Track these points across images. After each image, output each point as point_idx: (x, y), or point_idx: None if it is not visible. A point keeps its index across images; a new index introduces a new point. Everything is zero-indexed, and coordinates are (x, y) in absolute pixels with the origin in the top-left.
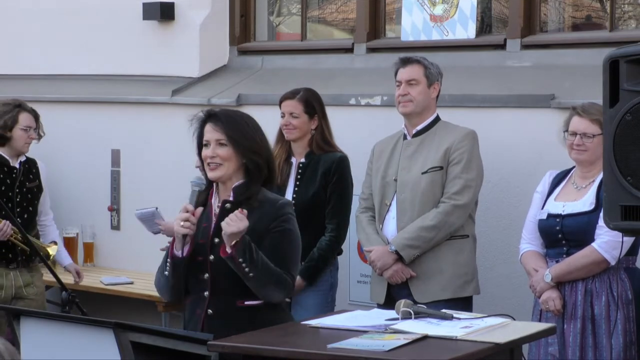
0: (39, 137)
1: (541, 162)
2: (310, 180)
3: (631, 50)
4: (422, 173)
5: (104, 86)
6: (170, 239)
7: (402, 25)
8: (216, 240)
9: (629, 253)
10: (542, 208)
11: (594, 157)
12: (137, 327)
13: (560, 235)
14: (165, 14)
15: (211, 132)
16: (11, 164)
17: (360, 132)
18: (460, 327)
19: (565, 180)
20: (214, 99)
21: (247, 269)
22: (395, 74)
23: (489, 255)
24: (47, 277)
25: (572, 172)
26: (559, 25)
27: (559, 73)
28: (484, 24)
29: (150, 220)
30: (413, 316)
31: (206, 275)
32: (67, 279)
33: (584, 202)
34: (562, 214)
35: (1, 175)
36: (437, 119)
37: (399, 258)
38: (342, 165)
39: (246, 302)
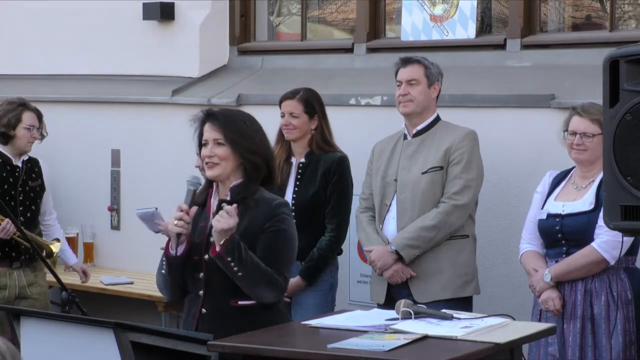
0: (42, 137)
1: (541, 162)
2: (310, 180)
3: (631, 50)
4: (422, 173)
5: (104, 86)
6: None
7: (402, 25)
8: (212, 239)
9: (629, 253)
10: (542, 208)
11: (594, 156)
12: (137, 327)
13: (559, 235)
14: (165, 14)
15: (209, 132)
16: (14, 163)
17: (360, 132)
18: (460, 327)
19: (565, 181)
20: (214, 99)
21: (235, 268)
22: (396, 74)
23: (489, 255)
24: (48, 276)
25: (572, 172)
26: (559, 25)
27: (559, 73)
28: (484, 24)
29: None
30: (413, 316)
31: (201, 274)
32: (67, 278)
33: (584, 201)
34: (562, 213)
35: (4, 174)
36: (438, 119)
37: (399, 258)
38: (342, 165)
39: (240, 302)
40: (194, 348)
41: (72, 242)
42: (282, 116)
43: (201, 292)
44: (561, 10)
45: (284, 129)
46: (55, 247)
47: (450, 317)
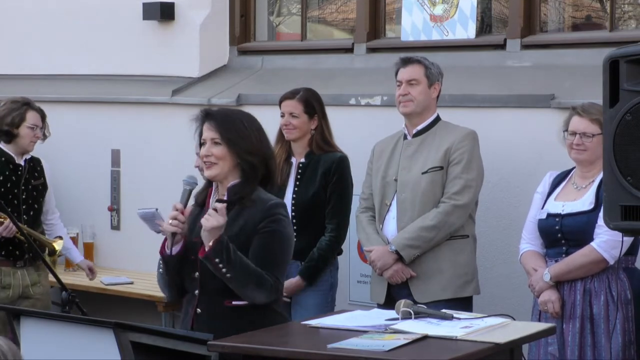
0: (44, 137)
1: (541, 162)
2: (310, 180)
3: (631, 50)
4: (423, 173)
5: (104, 86)
6: None
7: (402, 25)
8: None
9: (628, 253)
10: (542, 208)
11: (594, 156)
12: (137, 327)
13: (559, 235)
14: (165, 14)
15: (207, 131)
16: (16, 161)
17: (360, 132)
18: (460, 327)
19: (566, 181)
20: (214, 99)
21: (224, 270)
22: (396, 74)
23: (489, 255)
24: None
25: (572, 172)
26: (559, 25)
27: (559, 73)
28: (484, 24)
29: (151, 220)
30: (413, 316)
31: (197, 273)
32: (67, 278)
33: (584, 201)
34: (562, 213)
35: (7, 172)
36: (438, 119)
37: (399, 258)
38: (342, 165)
39: (234, 302)
40: (194, 348)
41: (72, 242)
42: (282, 116)
43: (197, 292)
44: (561, 10)
45: (283, 129)
46: (58, 245)
47: (450, 317)
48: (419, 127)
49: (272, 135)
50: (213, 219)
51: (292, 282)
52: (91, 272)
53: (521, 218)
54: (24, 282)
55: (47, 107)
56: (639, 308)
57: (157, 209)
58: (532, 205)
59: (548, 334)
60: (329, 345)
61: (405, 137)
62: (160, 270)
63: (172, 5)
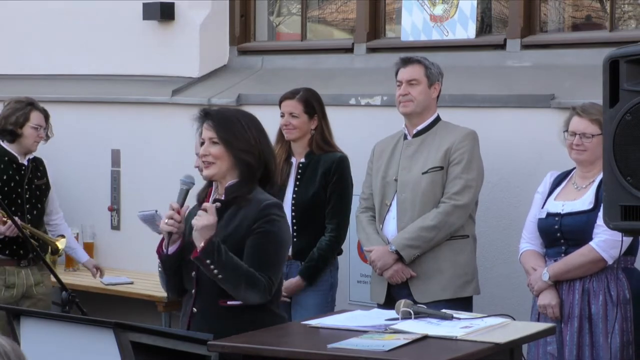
0: (47, 137)
1: (541, 162)
2: (310, 180)
3: (631, 50)
4: (423, 173)
5: (104, 86)
6: None
7: (402, 25)
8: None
9: (628, 253)
10: (542, 207)
11: (594, 157)
12: (137, 327)
13: (558, 234)
14: (165, 14)
15: (205, 131)
16: (20, 161)
17: (360, 132)
18: (460, 327)
19: (566, 181)
20: (214, 99)
21: (215, 271)
22: (396, 74)
23: (489, 255)
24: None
25: (572, 172)
26: (559, 25)
27: (559, 73)
28: (484, 24)
29: (152, 222)
30: (413, 316)
31: (194, 273)
32: (67, 278)
33: (583, 201)
34: (561, 213)
35: (10, 172)
36: (438, 119)
37: (399, 258)
38: (342, 165)
39: (228, 302)
40: (194, 348)
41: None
42: (282, 116)
43: (193, 291)
44: (561, 10)
45: (283, 129)
46: (61, 244)
47: (450, 317)
48: (419, 127)
49: (272, 135)
50: (203, 219)
51: (292, 282)
52: (98, 271)
53: (521, 218)
54: (28, 282)
55: (47, 107)
56: (637, 308)
57: (156, 211)
58: (533, 205)
59: (548, 334)
60: (329, 345)
61: (405, 137)
62: (160, 269)
63: (172, 5)
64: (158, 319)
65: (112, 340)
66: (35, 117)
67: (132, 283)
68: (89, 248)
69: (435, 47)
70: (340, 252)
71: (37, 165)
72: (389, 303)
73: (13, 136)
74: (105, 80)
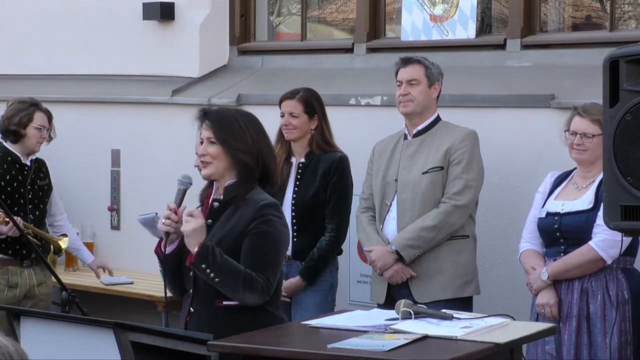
0: (50, 138)
1: (541, 162)
2: (310, 180)
3: (631, 50)
4: (423, 173)
5: (104, 86)
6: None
7: (402, 25)
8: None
9: (627, 254)
10: (542, 207)
11: (594, 157)
12: (137, 327)
13: (558, 234)
14: (165, 14)
15: (204, 131)
16: (23, 162)
17: (360, 132)
18: (460, 327)
19: (567, 181)
20: (214, 99)
21: (212, 275)
22: (396, 74)
23: (489, 255)
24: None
25: (573, 172)
26: (559, 25)
27: (559, 73)
28: (484, 24)
29: (152, 225)
30: (413, 316)
31: (191, 273)
32: (67, 278)
33: (583, 201)
34: (561, 212)
35: (13, 172)
36: (438, 119)
37: (400, 258)
38: (342, 165)
39: (224, 302)
40: (194, 348)
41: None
42: (282, 116)
43: (191, 291)
44: (561, 10)
45: (283, 129)
46: (63, 243)
47: (450, 317)
48: (419, 127)
49: (272, 135)
50: (191, 223)
51: (292, 282)
52: (105, 270)
53: (521, 218)
54: (31, 282)
55: (47, 107)
56: (636, 308)
57: (156, 213)
58: (533, 205)
59: (548, 334)
60: (329, 345)
61: (405, 137)
62: (160, 269)
63: (172, 5)
64: (158, 319)
65: (112, 340)
66: (38, 118)
67: (132, 283)
68: (88, 248)
69: (435, 47)
70: (340, 252)
71: (40, 166)
72: (389, 303)
73: (16, 136)
74: (105, 80)
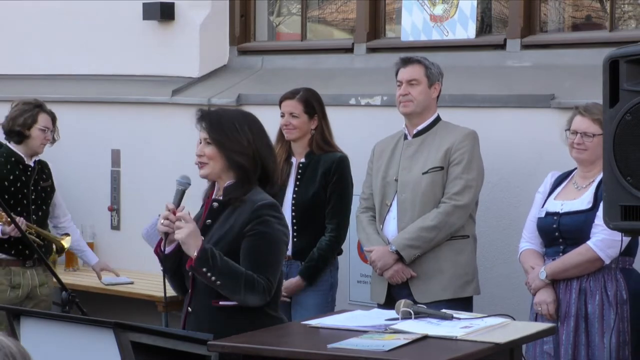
0: (54, 140)
1: (541, 162)
2: (310, 180)
3: (631, 50)
4: (423, 173)
5: (104, 86)
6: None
7: (402, 25)
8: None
9: (626, 254)
10: (542, 207)
11: (594, 156)
12: (137, 327)
13: (557, 234)
14: (165, 14)
15: (201, 131)
16: (26, 162)
17: (360, 132)
18: (460, 327)
19: (567, 181)
20: (214, 99)
21: (213, 278)
22: (396, 74)
23: (489, 255)
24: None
25: (573, 172)
26: (559, 25)
27: (559, 73)
28: (484, 24)
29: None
30: (413, 316)
31: (190, 272)
32: (67, 278)
33: (582, 200)
34: (560, 212)
35: (17, 172)
36: (438, 119)
37: (400, 258)
38: (342, 165)
39: (221, 303)
40: (194, 348)
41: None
42: (282, 116)
43: (190, 291)
44: (561, 10)
45: (284, 129)
46: (66, 242)
47: (450, 317)
48: (419, 127)
49: (272, 135)
50: (183, 229)
51: (292, 282)
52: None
53: (521, 218)
54: (33, 283)
55: (47, 107)
56: (634, 309)
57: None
58: (533, 205)
59: (548, 334)
60: (329, 345)
61: (405, 137)
62: (161, 268)
63: (172, 5)
64: (158, 319)
65: (112, 340)
66: (42, 119)
67: (132, 283)
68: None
69: (435, 47)
70: (340, 252)
71: (43, 167)
72: (389, 303)
73: (20, 137)
74: (105, 80)
